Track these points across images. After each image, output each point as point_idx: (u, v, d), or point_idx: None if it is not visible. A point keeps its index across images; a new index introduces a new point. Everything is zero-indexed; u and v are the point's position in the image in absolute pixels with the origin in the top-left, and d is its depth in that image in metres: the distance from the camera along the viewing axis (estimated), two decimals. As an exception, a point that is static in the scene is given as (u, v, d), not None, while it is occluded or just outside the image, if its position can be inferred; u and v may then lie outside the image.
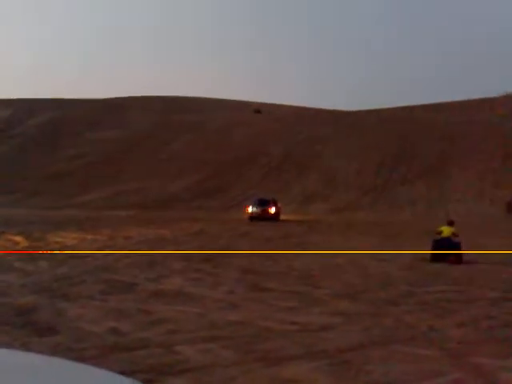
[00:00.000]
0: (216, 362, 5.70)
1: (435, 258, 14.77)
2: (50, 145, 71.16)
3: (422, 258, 15.35)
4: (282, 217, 34.41)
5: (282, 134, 67.55)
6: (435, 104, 74.79)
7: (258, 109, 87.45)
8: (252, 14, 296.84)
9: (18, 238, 18.54)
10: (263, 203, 33.84)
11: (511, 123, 60.13)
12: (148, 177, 58.37)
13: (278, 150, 62.32)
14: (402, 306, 8.83)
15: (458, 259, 14.55)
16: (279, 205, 35.19)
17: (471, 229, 29.99)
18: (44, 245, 16.79)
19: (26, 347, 5.93)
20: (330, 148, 60.10)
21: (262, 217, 32.47)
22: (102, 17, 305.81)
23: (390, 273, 12.57)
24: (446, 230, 15.35)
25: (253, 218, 32.63)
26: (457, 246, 14.82)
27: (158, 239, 19.12)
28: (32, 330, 6.84)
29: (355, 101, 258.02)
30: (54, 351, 5.70)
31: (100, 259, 13.54)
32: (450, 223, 15.89)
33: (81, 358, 5.43)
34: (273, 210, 33.57)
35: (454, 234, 15.21)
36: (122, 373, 2.20)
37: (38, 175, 60.49)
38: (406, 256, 15.73)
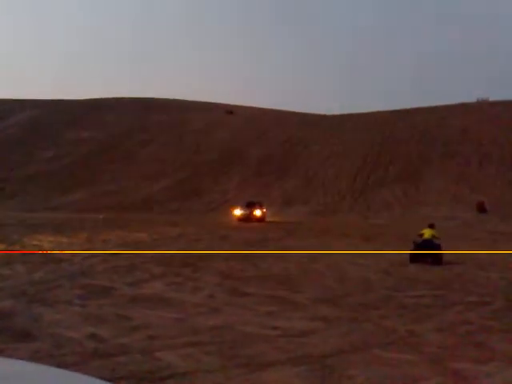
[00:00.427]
0: (198, 367, 5.66)
1: (414, 259, 15.17)
2: (28, 146, 70.10)
3: (399, 262, 15.50)
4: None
5: (261, 136, 67.67)
6: (413, 109, 75.68)
7: (231, 110, 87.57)
8: (232, 15, 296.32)
9: (-7, 241, 18.19)
10: (251, 206, 36.32)
11: (488, 129, 61.15)
12: (126, 178, 57.91)
13: (257, 153, 62.37)
14: (381, 310, 8.90)
15: (438, 260, 14.94)
16: (264, 207, 37.30)
17: (447, 232, 30.35)
18: (20, 248, 16.52)
19: (3, 353, 5.81)
20: (309, 151, 60.40)
21: (249, 219, 34.58)
22: (83, 18, 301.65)
23: (369, 277, 12.65)
24: (427, 233, 15.86)
25: (241, 219, 34.81)
26: (437, 248, 15.25)
27: (136, 242, 18.95)
28: (9, 336, 6.71)
29: (335, 105, 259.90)
30: (33, 358, 5.61)
31: (77, 263, 13.37)
32: (431, 226, 16.38)
33: (60, 365, 5.35)
34: (258, 212, 35.79)
35: (434, 237, 15.70)
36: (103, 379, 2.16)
37: (16, 177, 59.54)
38: (384, 260, 15.86)
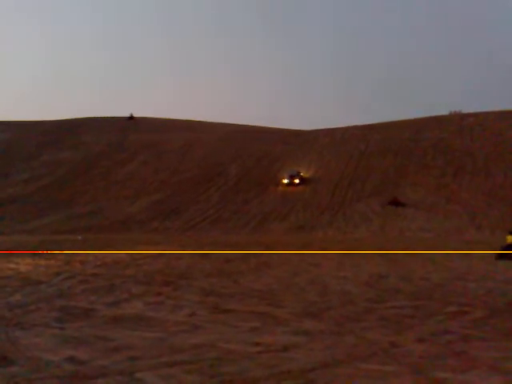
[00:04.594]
0: (180, 387, 5.59)
1: (501, 257, 20.04)
2: (3, 168, 69.13)
3: (379, 274, 15.61)
4: (237, 238, 35.14)
5: (237, 153, 67.82)
6: (387, 123, 76.65)
7: (131, 115, 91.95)
8: (213, 29, 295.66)
9: (-33, 266, 17.79)
10: (291, 176, 55.33)
11: (461, 140, 62.24)
12: (104, 199, 57.42)
13: (234, 170, 62.47)
14: (363, 322, 8.92)
15: None
16: (302, 174, 56.29)
17: (424, 243, 30.67)
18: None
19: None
20: (287, 167, 60.64)
21: (292, 183, 54.60)
22: (57, 30, 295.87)
23: (350, 290, 12.69)
24: (510, 238, 20.93)
25: (287, 184, 54.58)
26: None
27: (115, 263, 18.74)
28: (-15, 362, 6.55)
29: (308, 120, 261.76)
30: (10, 383, 5.48)
31: (55, 285, 13.16)
32: (511, 232, 21.44)
33: (38, 390, 5.23)
34: (297, 180, 55.06)
35: None
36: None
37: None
38: (364, 273, 15.94)
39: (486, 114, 71.93)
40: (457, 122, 69.90)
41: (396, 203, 48.52)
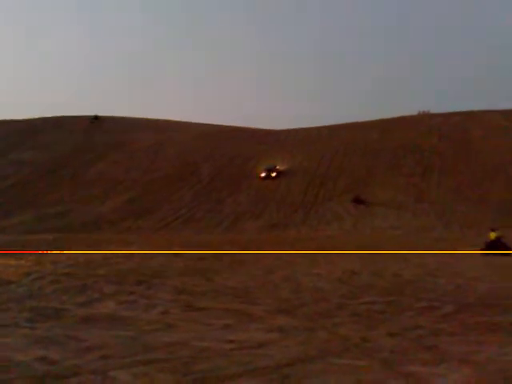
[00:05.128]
0: (153, 385, 5.56)
1: (487, 253, 21.55)
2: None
3: (351, 270, 15.79)
4: (210, 238, 35.04)
5: (210, 152, 67.66)
6: (356, 123, 77.38)
7: (96, 115, 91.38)
8: (187, 28, 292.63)
9: None
10: (269, 170, 57.53)
11: (429, 140, 63.24)
12: (74, 198, 56.65)
13: (207, 169, 62.31)
14: (336, 318, 9.01)
15: (508, 250, 21.69)
16: (278, 168, 58.20)
17: (397, 240, 31.14)
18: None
19: None
20: (259, 166, 60.78)
21: (268, 177, 56.74)
22: (25, 30, 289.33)
23: (323, 287, 12.80)
24: (492, 235, 22.66)
25: (264, 178, 56.68)
26: (505, 244, 22.07)
27: (87, 262, 18.49)
28: (-47, 364, 6.41)
29: (277, 121, 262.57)
30: (-20, 384, 5.38)
31: (26, 285, 12.94)
32: (493, 229, 23.08)
33: (9, 390, 5.15)
34: (274, 173, 57.33)
35: (497, 237, 22.39)
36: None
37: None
38: (337, 269, 16.10)
39: (454, 115, 73.25)
40: (425, 122, 71.00)
41: (359, 201, 49.79)
